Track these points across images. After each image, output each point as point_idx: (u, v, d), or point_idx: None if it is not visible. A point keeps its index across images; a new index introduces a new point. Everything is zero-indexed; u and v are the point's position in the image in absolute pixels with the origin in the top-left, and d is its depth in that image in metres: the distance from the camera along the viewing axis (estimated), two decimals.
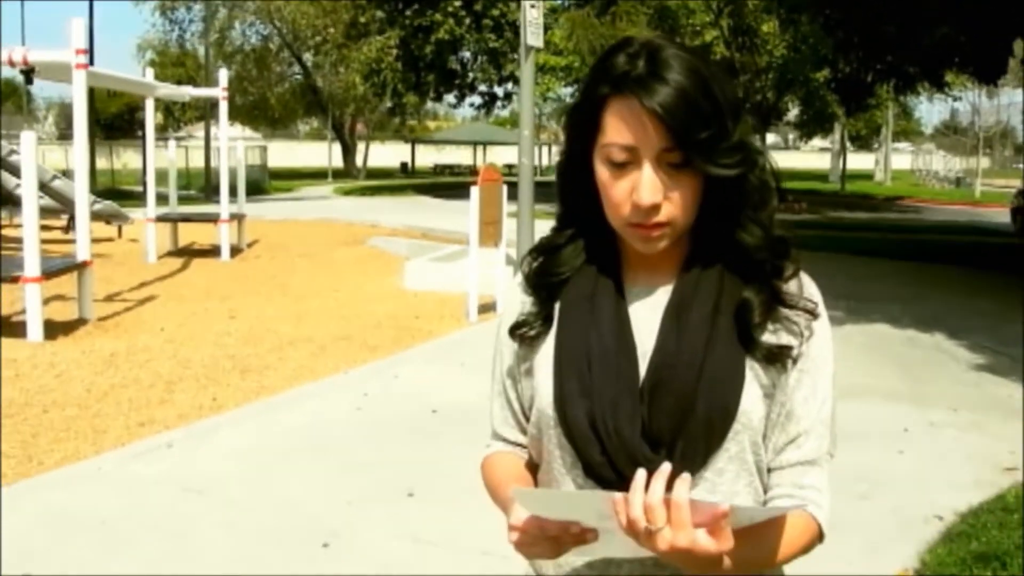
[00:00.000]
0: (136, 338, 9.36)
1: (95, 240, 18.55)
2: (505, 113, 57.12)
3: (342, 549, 4.22)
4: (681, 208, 1.37)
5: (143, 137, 17.51)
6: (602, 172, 1.39)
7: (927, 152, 61.47)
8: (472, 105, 43.08)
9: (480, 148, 67.96)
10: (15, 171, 14.22)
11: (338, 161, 51.79)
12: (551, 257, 1.53)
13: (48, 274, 9.50)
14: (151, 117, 16.03)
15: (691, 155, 1.33)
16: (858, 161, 63.92)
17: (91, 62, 13.92)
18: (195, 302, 11.70)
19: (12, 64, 10.16)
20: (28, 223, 9.24)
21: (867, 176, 57.15)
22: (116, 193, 28.44)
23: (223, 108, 17.02)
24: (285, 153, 61.14)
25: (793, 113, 40.77)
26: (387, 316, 10.56)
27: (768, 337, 1.41)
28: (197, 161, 37.73)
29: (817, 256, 16.86)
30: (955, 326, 9.80)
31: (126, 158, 43.83)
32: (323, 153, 54.40)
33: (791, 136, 63.24)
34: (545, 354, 1.49)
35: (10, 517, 4.49)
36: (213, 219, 17.28)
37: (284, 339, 9.27)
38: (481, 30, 31.91)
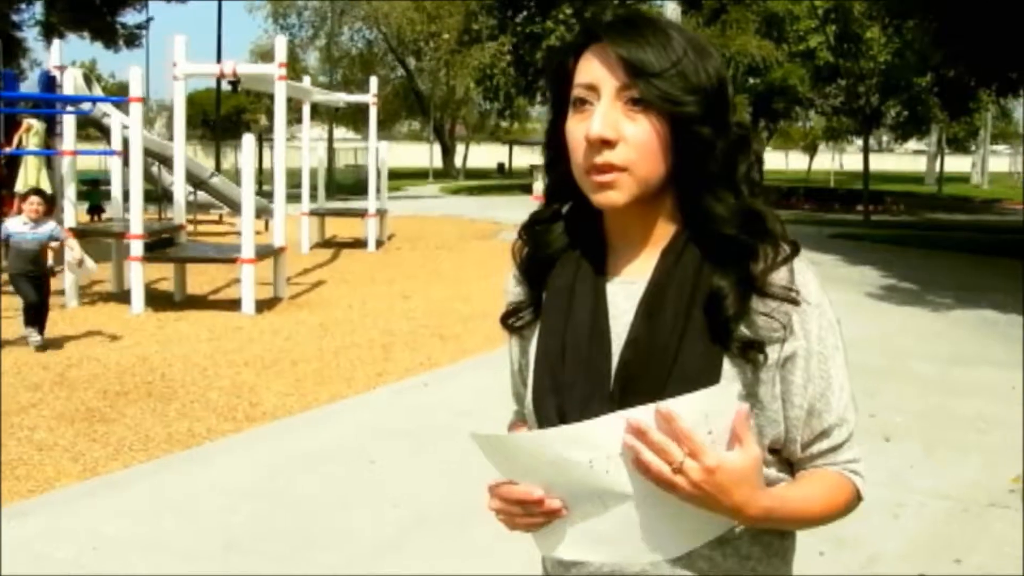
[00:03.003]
0: (330, 313, 10.96)
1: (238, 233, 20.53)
2: None
3: None
4: (640, 152, 1.31)
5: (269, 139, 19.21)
6: (569, 121, 1.37)
7: None
8: None
9: None
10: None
11: (437, 162, 53.72)
12: (538, 238, 1.48)
13: (259, 256, 11.16)
14: (307, 120, 17.77)
15: (644, 87, 1.30)
16: (954, 164, 63.62)
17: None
18: (363, 286, 13.28)
19: (223, 76, 11.85)
20: (246, 216, 10.95)
21: (963, 179, 57.03)
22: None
23: (373, 113, 18.70)
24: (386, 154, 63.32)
25: (889, 116, 41.27)
26: None
27: (745, 331, 1.33)
28: (295, 161, 39.70)
29: (919, 252, 17.97)
30: None
31: (232, 158, 45.85)
32: (422, 154, 56.34)
33: (884, 138, 63.16)
34: (535, 345, 1.46)
35: (333, 429, 6.08)
36: (360, 214, 18.97)
37: (462, 314, 10.78)
38: None
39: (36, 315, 8.60)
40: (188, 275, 11.84)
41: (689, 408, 1.19)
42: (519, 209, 24.61)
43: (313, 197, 18.71)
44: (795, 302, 1.33)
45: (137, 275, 10.55)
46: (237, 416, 6.68)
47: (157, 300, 11.08)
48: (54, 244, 8.97)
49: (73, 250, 8.85)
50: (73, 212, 11.54)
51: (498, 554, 3.98)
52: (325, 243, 18.78)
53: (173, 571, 4.15)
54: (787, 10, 28.24)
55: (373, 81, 19.12)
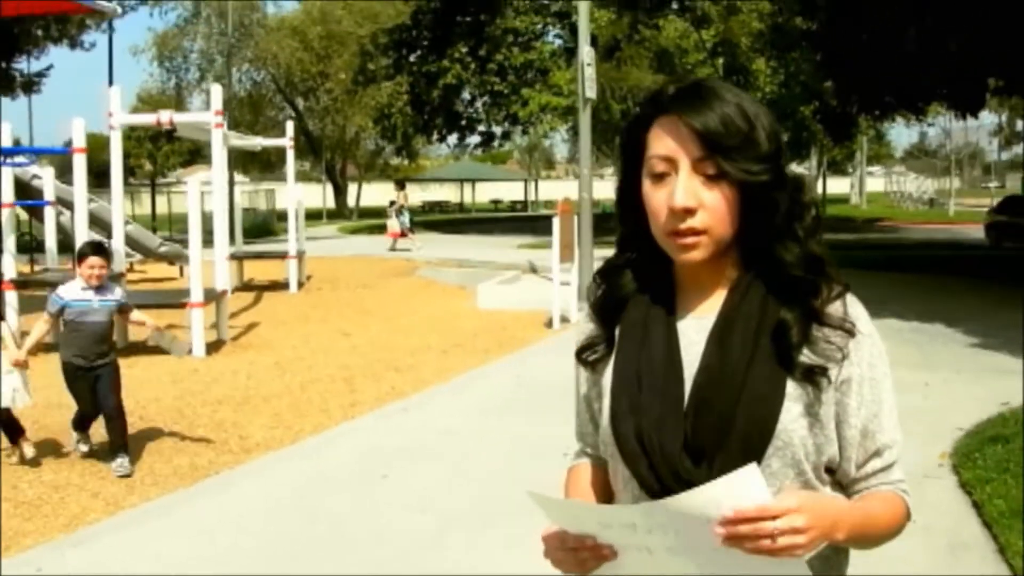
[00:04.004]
0: (280, 352, 11.34)
1: (157, 280, 20.62)
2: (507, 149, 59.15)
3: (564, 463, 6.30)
4: (716, 217, 1.46)
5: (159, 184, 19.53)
6: (646, 185, 1.51)
7: (900, 175, 64.22)
8: (470, 145, 45.24)
9: (465, 185, 69.91)
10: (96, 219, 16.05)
11: (330, 202, 53.74)
12: (612, 281, 1.64)
13: (207, 300, 11.50)
14: (223, 163, 18.00)
15: (722, 162, 1.44)
16: (833, 186, 66.55)
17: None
18: (299, 326, 13.65)
19: (160, 124, 12.16)
20: (194, 261, 11.29)
21: (843, 200, 59.74)
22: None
23: (290, 156, 19.11)
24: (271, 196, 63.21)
25: None
26: (479, 329, 12.61)
27: (807, 357, 1.48)
28: (182, 207, 39.44)
29: None
30: (949, 318, 11.98)
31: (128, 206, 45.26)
32: (313, 194, 56.39)
33: None
34: (609, 377, 1.61)
35: (337, 452, 6.58)
36: (280, 256, 19.29)
37: (406, 348, 11.29)
38: (486, 74, 34.18)
39: (86, 418, 6.79)
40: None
41: (728, 494, 1.29)
42: (426, 248, 25.10)
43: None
44: (851, 332, 1.51)
45: None
46: (233, 449, 7.10)
47: None
48: (133, 316, 7.04)
49: (145, 322, 7.05)
50: (13, 264, 11.72)
51: (520, 549, 4.57)
52: (245, 286, 18.99)
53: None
54: (676, 44, 29.59)
55: (289, 125, 19.55)
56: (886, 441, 1.54)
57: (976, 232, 29.12)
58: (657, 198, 1.49)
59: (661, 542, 1.34)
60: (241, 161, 53.00)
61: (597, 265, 8.29)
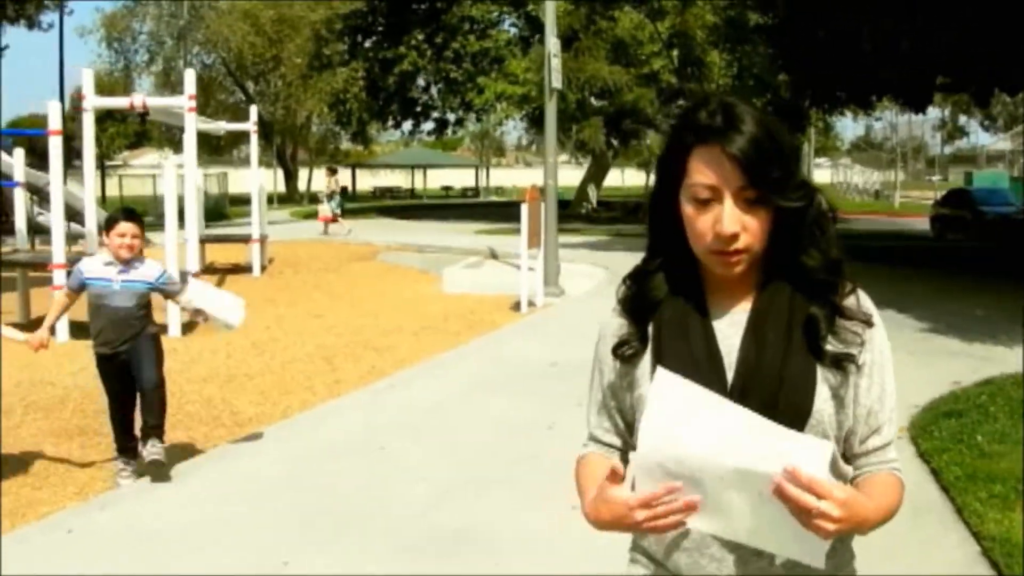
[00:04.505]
0: (254, 334, 11.52)
1: None
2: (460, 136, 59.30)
3: (558, 432, 6.66)
4: (756, 237, 1.63)
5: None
6: (688, 208, 1.65)
7: (846, 167, 65.41)
8: (423, 131, 45.39)
9: (416, 171, 69.82)
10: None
11: (280, 187, 53.52)
12: (643, 284, 1.78)
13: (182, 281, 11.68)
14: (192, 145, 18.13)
15: (765, 192, 1.60)
16: None
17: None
18: (268, 308, 13.82)
19: (133, 108, 12.31)
20: (169, 242, 11.49)
21: None
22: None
23: (254, 140, 19.25)
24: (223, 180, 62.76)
25: None
26: (447, 312, 12.93)
27: (833, 346, 1.66)
28: (132, 189, 39.44)
29: None
30: (900, 305, 12.51)
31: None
32: (263, 179, 56.04)
33: None
34: (644, 370, 1.74)
35: (324, 428, 6.89)
36: (243, 239, 19.43)
37: (379, 330, 11.58)
38: (442, 61, 34.40)
39: (123, 418, 5.96)
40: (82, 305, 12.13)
41: (808, 459, 1.47)
42: (379, 232, 25.42)
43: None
44: (870, 323, 1.71)
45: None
46: (226, 423, 7.37)
47: (73, 329, 11.42)
48: (183, 299, 6.16)
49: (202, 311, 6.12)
50: None
51: (518, 513, 4.95)
52: (207, 270, 19.08)
53: (273, 529, 4.91)
54: (632, 36, 30.04)
55: (253, 109, 19.68)
56: (884, 419, 1.73)
57: (921, 224, 29.92)
58: (702, 221, 1.63)
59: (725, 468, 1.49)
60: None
61: (562, 252, 8.80)
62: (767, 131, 1.62)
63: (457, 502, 5.44)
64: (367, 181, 69.47)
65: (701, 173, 1.62)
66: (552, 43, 13.57)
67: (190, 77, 12.44)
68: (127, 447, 5.95)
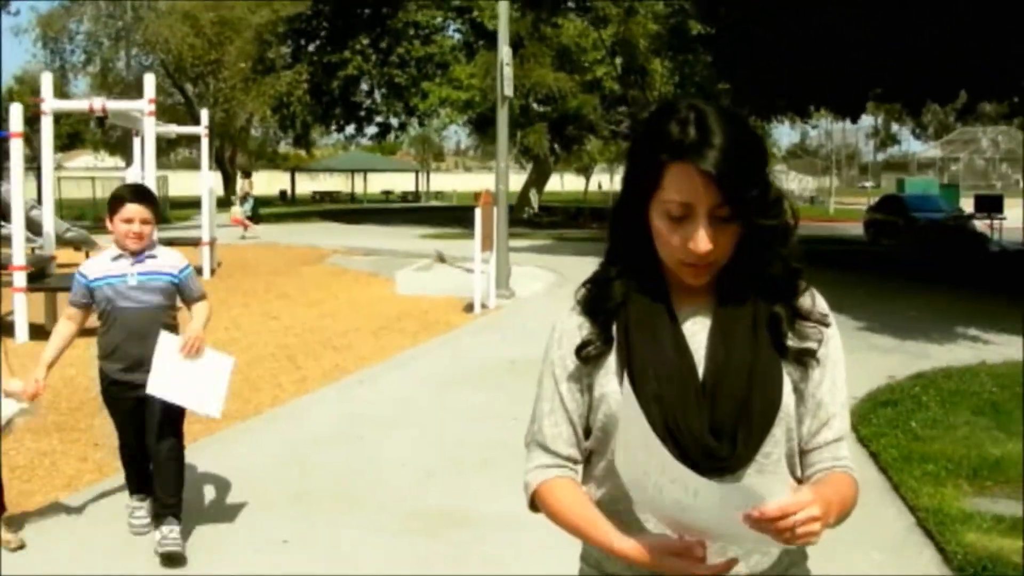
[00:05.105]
0: (213, 334, 11.48)
1: (64, 265, 20.62)
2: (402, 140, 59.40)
3: (524, 423, 7.02)
4: (726, 251, 1.67)
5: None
6: (659, 222, 1.67)
7: (782, 173, 66.71)
8: (366, 135, 45.52)
9: (357, 175, 69.62)
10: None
11: (219, 191, 53.12)
12: (604, 287, 1.79)
13: None
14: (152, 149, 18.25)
15: (740, 211, 1.62)
16: None
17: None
18: (223, 310, 13.84)
19: (92, 111, 12.47)
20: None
21: None
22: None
23: (205, 144, 19.34)
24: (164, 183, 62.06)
25: None
26: (401, 313, 13.24)
27: (794, 343, 1.74)
28: (68, 192, 39.07)
29: None
30: (837, 305, 12.94)
31: None
32: (196, 181, 55.64)
33: None
34: (607, 369, 1.76)
35: (301, 421, 7.20)
36: (194, 243, 19.52)
37: (337, 330, 11.85)
38: (387, 66, 34.67)
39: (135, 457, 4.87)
40: (39, 306, 12.16)
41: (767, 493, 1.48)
42: (324, 235, 25.62)
43: None
44: (826, 324, 1.80)
45: (21, 306, 11.04)
46: (200, 419, 7.58)
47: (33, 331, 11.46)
48: (198, 309, 4.79)
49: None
50: None
51: (494, 492, 5.35)
52: None
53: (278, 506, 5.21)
54: (576, 43, 30.59)
55: (204, 113, 19.77)
56: (834, 411, 1.78)
57: (855, 229, 30.79)
58: (674, 236, 1.66)
59: (704, 504, 1.53)
60: (120, 147, 52.18)
61: (513, 256, 9.26)
62: (741, 142, 1.62)
63: (439, 485, 5.84)
64: (307, 185, 69.15)
65: (675, 191, 1.63)
66: (505, 52, 13.98)
67: (149, 81, 12.64)
68: (144, 487, 4.88)
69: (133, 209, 4.47)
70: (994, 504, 5.33)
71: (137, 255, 4.52)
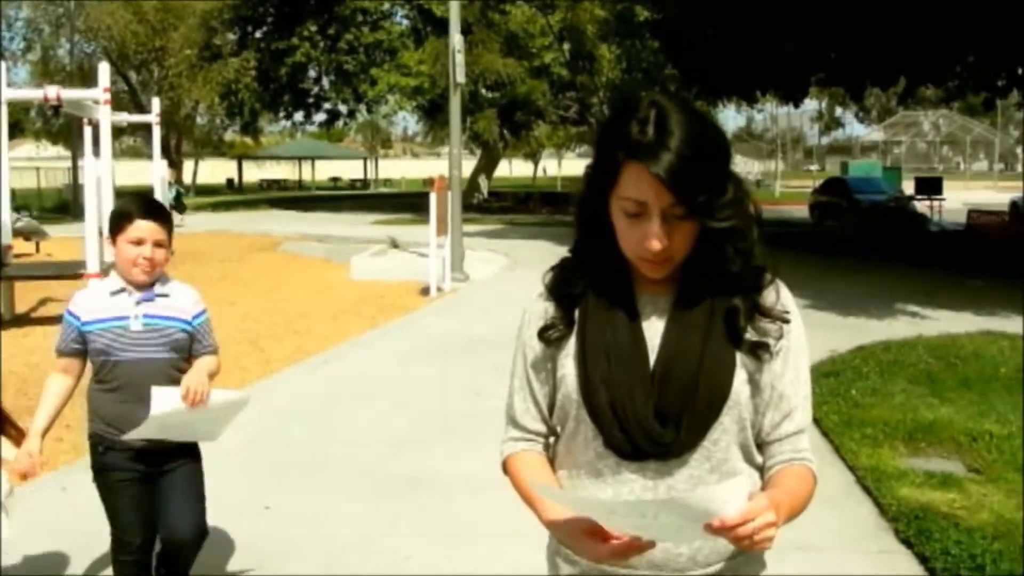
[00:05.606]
0: None
1: (18, 255, 20.55)
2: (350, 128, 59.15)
3: (486, 396, 7.33)
4: (681, 247, 1.70)
5: None
6: (619, 218, 1.71)
7: None
8: (314, 123, 45.34)
9: (304, 163, 69.21)
10: None
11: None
12: (569, 273, 1.86)
13: (104, 271, 11.95)
14: (108, 139, 18.21)
15: (692, 212, 1.65)
16: None
17: None
18: None
19: (47, 100, 12.49)
20: (90, 235, 11.75)
21: None
22: None
23: (156, 132, 19.33)
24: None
25: None
26: (358, 298, 13.47)
27: (751, 335, 1.76)
28: (12, 182, 38.35)
29: None
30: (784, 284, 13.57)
31: None
32: (142, 171, 55.30)
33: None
34: (568, 352, 1.82)
35: (271, 399, 7.45)
36: None
37: (295, 314, 12.06)
38: (335, 52, 34.61)
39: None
40: None
41: (722, 497, 1.51)
42: (275, 222, 25.66)
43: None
44: (787, 320, 1.80)
45: None
46: None
47: None
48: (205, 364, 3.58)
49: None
50: None
51: (465, 457, 5.66)
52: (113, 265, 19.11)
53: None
54: (524, 29, 30.83)
55: (155, 102, 19.74)
56: (796, 403, 1.81)
57: (801, 211, 31.37)
58: (631, 233, 1.70)
59: (666, 523, 1.56)
60: (65, 136, 51.55)
61: (466, 241, 9.67)
62: (699, 143, 1.63)
63: (410, 452, 6.18)
64: (254, 173, 68.55)
65: (631, 189, 1.66)
66: (456, 39, 14.21)
67: (104, 70, 12.64)
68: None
69: (145, 228, 3.31)
70: (927, 463, 5.74)
71: (144, 290, 3.39)
